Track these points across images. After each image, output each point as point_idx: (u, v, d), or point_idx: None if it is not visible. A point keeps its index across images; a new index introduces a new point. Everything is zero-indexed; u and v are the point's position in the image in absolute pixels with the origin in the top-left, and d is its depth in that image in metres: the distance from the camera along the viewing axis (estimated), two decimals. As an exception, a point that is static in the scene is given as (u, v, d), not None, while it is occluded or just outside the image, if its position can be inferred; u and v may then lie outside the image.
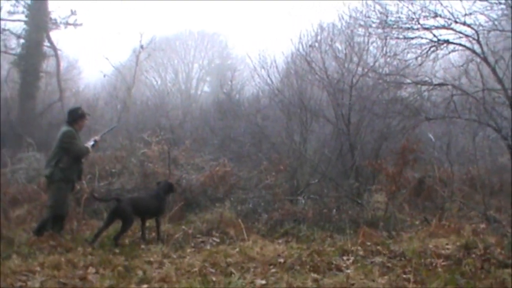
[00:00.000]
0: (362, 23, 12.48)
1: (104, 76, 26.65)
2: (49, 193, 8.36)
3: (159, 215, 8.53)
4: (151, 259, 6.85)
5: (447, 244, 7.25)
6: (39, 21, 21.46)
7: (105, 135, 10.02)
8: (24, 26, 21.78)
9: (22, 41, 21.84)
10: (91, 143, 8.72)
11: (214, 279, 5.87)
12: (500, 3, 10.92)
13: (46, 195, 11.08)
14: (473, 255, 6.54)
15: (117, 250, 7.35)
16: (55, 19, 22.90)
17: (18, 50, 22.08)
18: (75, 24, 23.51)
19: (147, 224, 8.53)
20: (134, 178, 11.97)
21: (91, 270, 6.26)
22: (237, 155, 13.92)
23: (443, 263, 6.31)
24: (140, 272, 6.18)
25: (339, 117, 12.22)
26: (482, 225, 8.78)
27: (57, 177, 8.13)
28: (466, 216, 9.72)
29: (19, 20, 22.05)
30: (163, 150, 12.66)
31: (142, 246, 7.74)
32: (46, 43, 22.45)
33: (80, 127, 8.63)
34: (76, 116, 8.57)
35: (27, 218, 10.32)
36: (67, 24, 23.25)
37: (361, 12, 12.44)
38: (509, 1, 10.85)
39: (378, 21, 11.91)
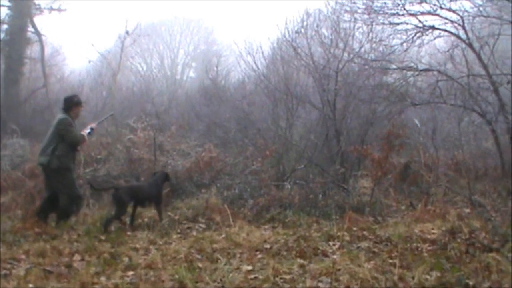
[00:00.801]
0: (348, 8, 12.49)
1: (89, 62, 26.45)
2: (55, 183, 8.28)
3: (158, 203, 8.73)
4: (137, 245, 6.85)
5: (432, 229, 7.28)
6: (23, 6, 21.23)
7: (101, 123, 9.99)
8: (8, 11, 21.53)
9: (5, 26, 21.57)
10: (88, 130, 8.70)
11: (200, 265, 5.87)
12: (485, -11, 10.97)
13: (33, 182, 11.14)
14: (458, 240, 6.57)
15: (103, 237, 7.33)
16: (39, 5, 22.71)
17: (2, 35, 21.82)
18: (59, 10, 23.31)
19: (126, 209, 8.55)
20: (120, 164, 11.94)
21: (77, 257, 6.26)
22: (223, 141, 13.91)
23: (428, 248, 6.34)
24: (126, 259, 6.18)
25: (325, 103, 12.23)
26: (467, 210, 8.82)
27: (54, 165, 8.10)
28: (452, 201, 9.75)
29: (2, 6, 21.77)
30: (148, 136, 12.60)
31: (128, 233, 7.73)
32: (30, 29, 22.22)
33: (75, 115, 8.61)
34: (71, 104, 8.56)
35: (12, 205, 10.28)
36: (51, 9, 23.04)
37: (347, -3, 12.44)
38: (494, -13, 10.89)
39: (364, 6, 11.92)
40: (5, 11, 21.64)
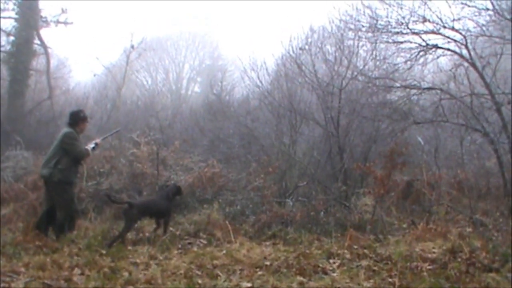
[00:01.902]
0: (352, 26, 12.53)
1: (95, 75, 26.57)
2: (54, 196, 8.32)
3: (167, 216, 8.78)
4: (138, 260, 6.86)
5: (433, 247, 7.28)
6: (29, 18, 21.32)
7: (106, 139, 10.04)
8: (14, 23, 21.64)
9: (12, 38, 21.68)
10: (92, 145, 8.77)
11: (200, 281, 5.88)
12: (488, 9, 11.02)
13: (35, 195, 11.16)
14: (459, 259, 6.57)
15: (103, 251, 7.34)
16: (46, 17, 22.73)
17: (8, 47, 21.92)
18: (65, 23, 23.35)
19: (136, 225, 8.57)
20: (123, 178, 11.94)
21: (77, 271, 6.28)
22: (226, 157, 13.90)
23: (428, 267, 6.34)
24: (126, 274, 6.19)
25: (329, 120, 12.24)
26: (469, 229, 8.82)
27: (55, 178, 8.16)
28: (453, 220, 9.73)
29: (9, 18, 21.85)
30: (152, 151, 12.62)
31: (129, 247, 7.73)
32: (36, 41, 22.30)
33: (81, 129, 8.70)
34: (77, 119, 8.65)
35: (13, 218, 10.31)
36: (57, 22, 23.09)
37: (351, 15, 12.50)
38: (497, 8, 10.93)
39: (368, 25, 11.97)
40: (11, 23, 21.80)
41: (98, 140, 9.00)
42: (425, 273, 6.06)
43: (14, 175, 13.49)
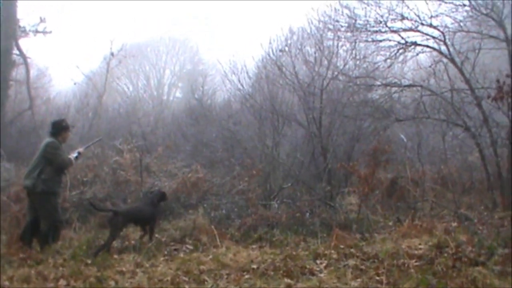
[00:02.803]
0: (331, 27, 12.59)
1: (75, 83, 26.38)
2: (38, 207, 8.23)
3: (153, 223, 8.70)
4: (124, 269, 6.79)
5: (419, 244, 7.29)
6: (7, 28, 21.12)
7: (89, 148, 9.97)
8: (-8, 34, 21.48)
9: (-11, 49, 21.51)
10: (75, 154, 8.69)
11: (187, 287, 5.85)
12: (465, 5, 11.14)
13: (18, 207, 11.03)
14: (445, 254, 6.59)
15: (89, 261, 7.27)
16: (24, 27, 22.61)
17: (-14, 58, 21.74)
18: (44, 32, 23.20)
19: (121, 233, 8.52)
20: (107, 186, 11.87)
21: (62, 282, 6.20)
22: (209, 161, 13.88)
23: (415, 264, 6.35)
24: (112, 283, 6.14)
25: (311, 121, 12.25)
26: (454, 224, 8.87)
27: (39, 188, 8.08)
28: (438, 215, 9.79)
29: (-14, 28, 21.72)
30: (135, 158, 12.57)
31: (115, 256, 7.67)
32: (15, 51, 22.14)
33: (63, 139, 8.61)
34: (60, 128, 8.57)
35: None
36: (36, 32, 22.96)
37: (330, 16, 12.55)
38: (473, 3, 11.02)
39: (346, 24, 12.05)
40: (-11, 34, 21.62)
41: (81, 149, 8.93)
42: (412, 270, 6.07)
43: (-4, 187, 13.36)
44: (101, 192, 11.59)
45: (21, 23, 22.46)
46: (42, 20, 23.03)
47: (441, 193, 11.24)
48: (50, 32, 23.42)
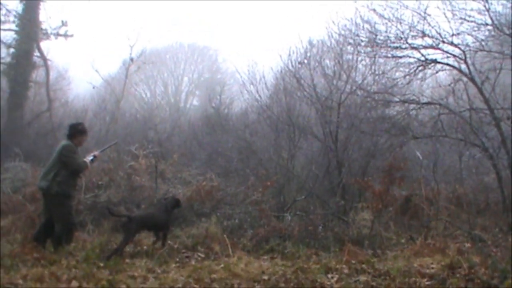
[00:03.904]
0: (351, 41, 12.56)
1: (94, 87, 26.59)
2: (52, 208, 8.28)
3: (166, 229, 8.71)
4: (135, 273, 6.80)
5: (431, 263, 7.24)
6: (29, 31, 21.41)
7: (104, 151, 10.01)
8: (15, 35, 21.73)
9: (12, 50, 21.75)
10: (90, 158, 8.71)
11: (197, 295, 5.86)
12: (487, 24, 11.04)
13: (34, 207, 11.12)
14: (458, 275, 6.53)
15: (101, 264, 7.29)
16: (46, 30, 22.85)
17: (8, 59, 21.99)
18: (65, 35, 23.46)
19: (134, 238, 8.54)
20: (121, 191, 11.91)
21: (75, 283, 6.21)
22: (224, 170, 13.90)
23: (427, 283, 6.31)
24: (123, 287, 6.15)
25: (327, 134, 12.26)
26: (467, 245, 8.79)
27: (53, 190, 8.11)
28: (452, 235, 9.71)
29: (9, 30, 21.98)
30: (150, 164, 12.62)
31: (127, 260, 7.68)
32: (36, 53, 22.38)
33: (79, 142, 8.65)
34: (76, 132, 8.60)
35: (11, 229, 10.27)
36: (57, 35, 23.20)
37: (351, 30, 12.53)
38: (496, 23, 10.96)
39: (367, 39, 12.00)
40: (12, 35, 21.88)
41: (96, 153, 8.96)
42: (423, 289, 6.04)
43: (13, 187, 13.48)
44: (115, 196, 11.63)
45: (43, 26, 22.72)
46: (63, 24, 23.32)
47: (455, 213, 11.15)
48: (72, 35, 23.73)
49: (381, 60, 12.62)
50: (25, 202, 11.72)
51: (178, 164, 13.68)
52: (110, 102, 24.36)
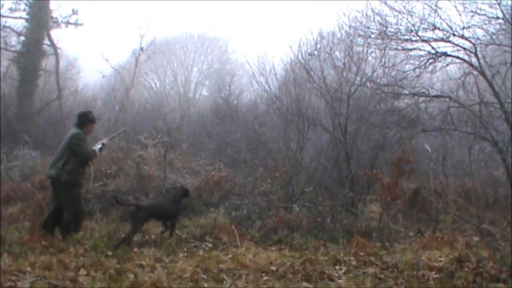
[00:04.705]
0: (361, 33, 12.50)
1: (103, 76, 26.63)
2: (61, 197, 8.32)
3: (174, 219, 8.77)
4: (143, 262, 6.84)
5: (440, 256, 7.24)
6: (40, 19, 21.43)
7: (113, 139, 10.03)
8: (25, 23, 21.78)
9: (22, 38, 21.81)
10: (99, 146, 8.76)
11: (205, 285, 5.88)
12: (498, 18, 10.96)
13: (42, 194, 11.17)
14: (466, 269, 6.51)
15: (109, 252, 7.33)
16: (56, 18, 22.89)
17: (18, 47, 22.06)
18: (76, 24, 23.48)
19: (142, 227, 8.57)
20: (130, 180, 11.92)
21: (83, 272, 6.26)
22: (233, 161, 13.90)
23: (435, 276, 6.30)
24: (131, 276, 6.18)
25: (336, 126, 12.24)
26: (476, 238, 8.79)
27: (63, 179, 8.15)
28: (460, 229, 9.70)
29: (20, 18, 22.03)
30: (159, 153, 12.62)
31: (135, 249, 7.72)
32: (46, 42, 22.41)
33: (89, 131, 8.69)
34: (86, 120, 8.65)
35: (20, 217, 10.34)
36: (68, 23, 23.22)
37: (361, 22, 12.47)
38: (507, 16, 10.89)
39: (377, 32, 11.93)
40: (22, 23, 21.94)
41: (104, 141, 8.99)
42: (431, 282, 6.03)
43: (22, 175, 13.54)
44: (124, 185, 11.65)
45: (53, 14, 22.76)
46: (74, 12, 23.34)
47: (464, 207, 11.15)
48: (82, 24, 23.76)
49: (391, 53, 12.55)
50: (34, 190, 11.76)
51: (187, 154, 13.66)
52: (120, 92, 24.40)
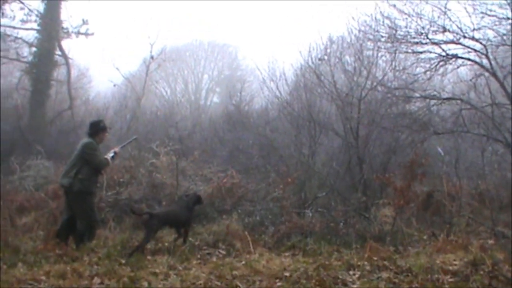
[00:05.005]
0: (371, 37, 12.50)
1: (114, 85, 26.72)
2: (74, 206, 8.36)
3: (187, 226, 8.79)
4: (157, 270, 6.84)
5: (454, 260, 7.19)
6: (51, 30, 21.59)
7: (125, 147, 10.06)
8: (36, 34, 21.98)
9: (34, 49, 21.99)
10: (111, 154, 8.81)
11: (219, 292, 5.88)
12: (509, 18, 10.92)
13: (56, 204, 11.22)
14: (481, 272, 6.48)
15: (123, 261, 7.35)
16: (67, 28, 23.03)
17: (30, 58, 22.23)
18: (86, 34, 23.61)
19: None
20: (142, 188, 11.93)
21: (96, 280, 6.28)
22: (245, 167, 13.87)
23: (450, 280, 6.27)
24: (145, 283, 6.20)
25: (348, 131, 12.22)
26: (491, 241, 8.73)
27: (76, 188, 8.20)
28: (474, 232, 9.64)
29: (31, 29, 22.23)
30: (171, 161, 12.64)
31: (148, 257, 7.73)
32: (58, 52, 22.57)
33: (100, 139, 8.73)
34: (97, 129, 8.69)
35: (34, 226, 10.37)
36: (78, 33, 23.37)
37: (370, 26, 12.46)
38: (518, 17, 10.85)
39: (387, 35, 11.93)
40: (34, 34, 22.12)
41: (116, 149, 9.03)
42: (446, 286, 6.01)
43: (35, 184, 13.59)
44: (136, 194, 11.66)
45: (64, 25, 22.91)
46: (84, 22, 23.48)
47: (478, 209, 11.07)
48: (92, 34, 23.87)
49: (402, 56, 12.54)
50: (48, 199, 11.80)
51: (199, 161, 13.68)
52: (131, 100, 24.47)
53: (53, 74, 22.35)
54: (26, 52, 22.87)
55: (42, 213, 11.10)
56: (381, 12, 12.09)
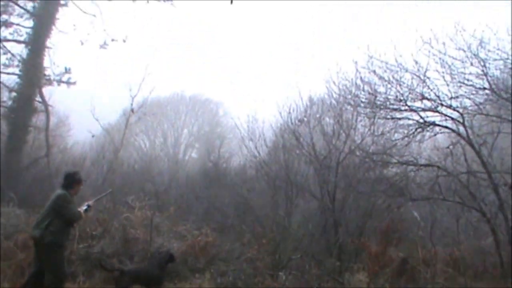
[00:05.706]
0: (351, 102, 12.66)
1: (93, 136, 26.57)
2: (44, 258, 8.17)
3: (159, 284, 8.73)
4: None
5: (428, 330, 7.14)
6: (32, 76, 21.49)
7: (99, 200, 9.94)
8: (17, 80, 21.87)
9: (14, 94, 21.85)
10: (84, 207, 8.70)
11: None
12: (485, 88, 11.16)
13: (24, 254, 10.96)
14: None
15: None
16: (49, 76, 22.96)
17: (10, 103, 22.06)
18: (68, 83, 23.57)
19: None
20: (115, 242, 11.74)
21: None
22: (220, 226, 13.80)
23: None
24: None
25: (325, 193, 12.26)
26: (464, 310, 8.68)
27: (46, 240, 8.03)
28: (449, 300, 9.60)
29: (13, 74, 22.11)
30: (146, 216, 12.51)
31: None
32: (38, 98, 22.45)
33: (75, 192, 8.62)
34: (72, 181, 8.59)
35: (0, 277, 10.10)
36: (60, 81, 23.31)
37: (351, 91, 12.63)
38: (494, 87, 11.08)
39: (367, 100, 12.09)
40: (15, 79, 22.00)
41: (90, 202, 8.93)
42: None
43: (4, 233, 13.28)
44: (109, 248, 11.46)
45: (46, 72, 22.84)
46: (67, 71, 23.40)
47: (453, 277, 11.02)
48: (74, 83, 23.77)
49: (380, 121, 12.68)
50: (16, 249, 11.54)
51: (174, 217, 13.55)
52: (109, 151, 24.31)
53: (31, 120, 22.16)
54: (5, 97, 22.73)
55: (10, 264, 10.82)
56: (361, 77, 12.30)
